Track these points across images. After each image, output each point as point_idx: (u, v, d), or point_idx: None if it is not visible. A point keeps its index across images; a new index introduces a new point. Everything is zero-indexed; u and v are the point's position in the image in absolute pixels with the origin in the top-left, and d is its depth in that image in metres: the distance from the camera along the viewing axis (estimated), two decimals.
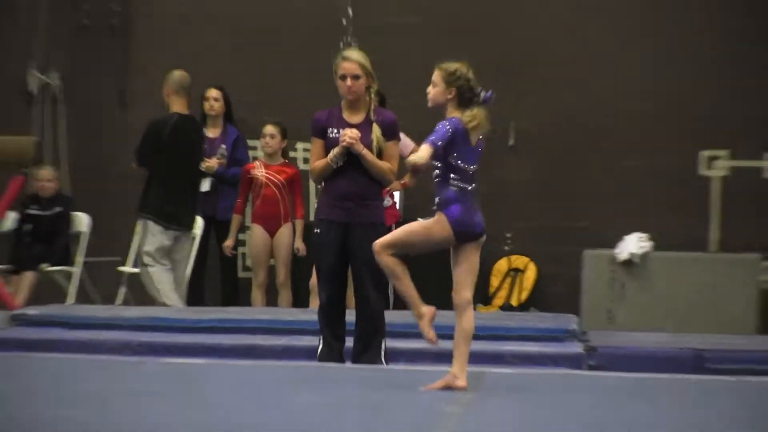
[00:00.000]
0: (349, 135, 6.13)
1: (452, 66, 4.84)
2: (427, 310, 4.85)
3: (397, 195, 8.71)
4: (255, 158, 9.49)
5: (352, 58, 6.19)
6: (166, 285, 8.41)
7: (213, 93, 9.41)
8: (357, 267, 6.22)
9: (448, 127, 4.74)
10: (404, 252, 4.88)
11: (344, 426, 3.87)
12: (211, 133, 9.37)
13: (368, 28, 9.66)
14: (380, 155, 6.23)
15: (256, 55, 10.08)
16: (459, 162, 4.78)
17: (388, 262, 4.85)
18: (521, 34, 9.89)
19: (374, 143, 6.22)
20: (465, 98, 4.82)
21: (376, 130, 6.22)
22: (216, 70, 9.85)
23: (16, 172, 8.59)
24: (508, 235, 9.97)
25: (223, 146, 9.32)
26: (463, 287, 4.85)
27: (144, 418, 3.89)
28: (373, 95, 6.29)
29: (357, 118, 6.26)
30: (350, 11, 9.75)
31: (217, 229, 9.34)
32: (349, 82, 6.16)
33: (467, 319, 4.84)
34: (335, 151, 6.15)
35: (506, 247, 9.99)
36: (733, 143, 9.82)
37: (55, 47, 10.33)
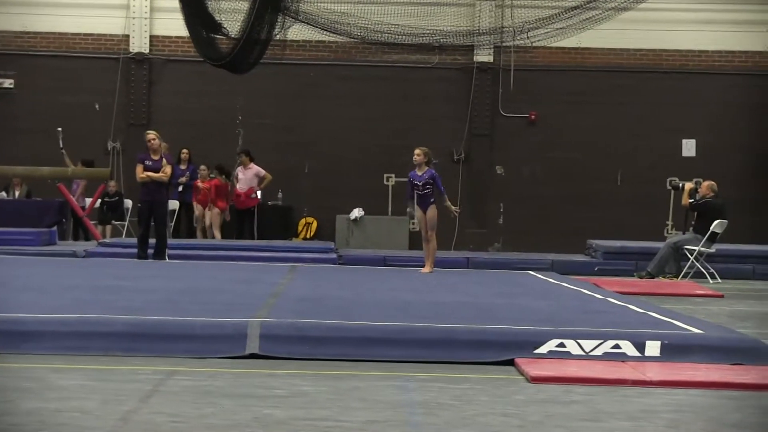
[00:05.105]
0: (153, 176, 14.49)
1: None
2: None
3: (259, 193, 19.33)
4: None
5: (152, 133, 14.76)
6: None
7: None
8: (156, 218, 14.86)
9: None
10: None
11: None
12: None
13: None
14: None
15: None
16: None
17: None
18: None
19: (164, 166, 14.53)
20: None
21: (164, 161, 14.64)
22: None
23: None
24: (306, 208, 20.78)
25: None
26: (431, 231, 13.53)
27: None
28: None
29: (156, 156, 14.60)
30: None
31: None
32: (155, 145, 14.66)
33: (433, 244, 13.57)
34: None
35: (304, 213, 20.89)
36: None
37: None
